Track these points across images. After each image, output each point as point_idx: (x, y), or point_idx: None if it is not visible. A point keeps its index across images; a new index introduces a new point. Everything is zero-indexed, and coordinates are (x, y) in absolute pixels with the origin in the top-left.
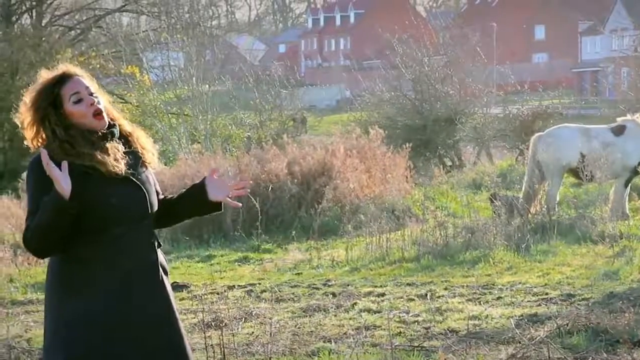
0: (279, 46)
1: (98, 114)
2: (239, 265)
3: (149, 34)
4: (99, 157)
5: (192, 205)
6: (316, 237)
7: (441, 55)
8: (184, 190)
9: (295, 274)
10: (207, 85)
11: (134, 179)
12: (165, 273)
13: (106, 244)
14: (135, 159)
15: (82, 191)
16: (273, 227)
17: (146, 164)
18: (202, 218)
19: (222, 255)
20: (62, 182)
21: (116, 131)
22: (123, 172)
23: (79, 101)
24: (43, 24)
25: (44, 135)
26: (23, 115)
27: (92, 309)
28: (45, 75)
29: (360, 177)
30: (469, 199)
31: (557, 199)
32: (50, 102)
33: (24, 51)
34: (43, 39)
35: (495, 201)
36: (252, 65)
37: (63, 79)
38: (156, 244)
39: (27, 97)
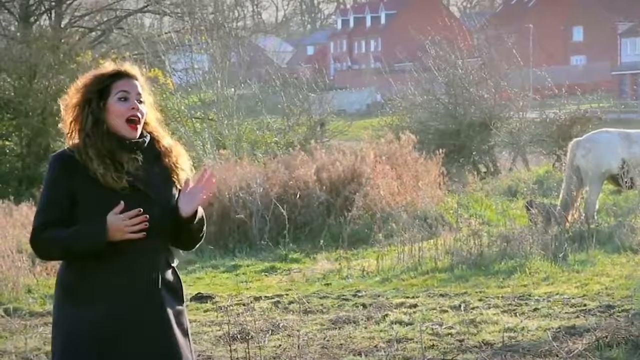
0: (307, 48)
1: (133, 121)
2: (266, 275)
3: (172, 35)
4: (103, 168)
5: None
6: (346, 246)
7: (476, 58)
8: None
9: (324, 284)
10: (232, 89)
11: (150, 194)
12: (175, 294)
13: (108, 257)
14: (164, 175)
15: (88, 199)
16: (301, 236)
17: (178, 181)
18: (228, 226)
19: (248, 265)
20: (118, 231)
21: (143, 142)
22: (125, 187)
23: (123, 99)
24: (62, 25)
25: (79, 122)
26: (70, 97)
27: (90, 320)
28: (106, 65)
29: (391, 183)
30: (504, 207)
31: (596, 206)
32: (99, 89)
33: (42, 53)
34: (62, 40)
35: (531, 209)
36: (279, 68)
37: (120, 74)
38: (163, 262)
39: (81, 80)
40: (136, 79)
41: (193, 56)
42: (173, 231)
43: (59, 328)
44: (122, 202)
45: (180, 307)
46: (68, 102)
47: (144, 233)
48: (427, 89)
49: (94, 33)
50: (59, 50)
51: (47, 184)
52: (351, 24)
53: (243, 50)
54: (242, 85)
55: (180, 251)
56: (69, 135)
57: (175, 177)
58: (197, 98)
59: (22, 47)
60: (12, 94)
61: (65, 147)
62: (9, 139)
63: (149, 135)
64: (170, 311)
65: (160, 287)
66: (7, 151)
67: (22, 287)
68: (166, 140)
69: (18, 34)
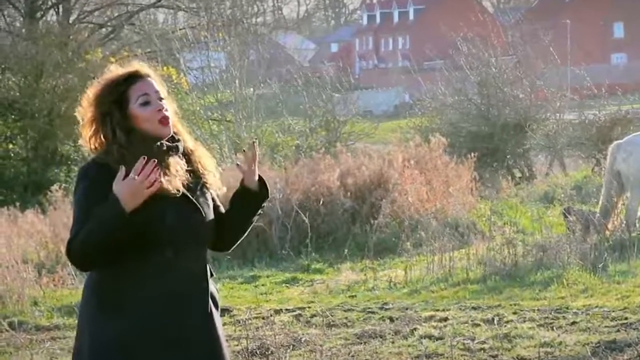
0: (331, 45)
1: (164, 119)
2: (287, 286)
3: (187, 32)
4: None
5: (239, 201)
6: (372, 255)
7: (510, 56)
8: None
9: (349, 296)
10: (251, 89)
11: (193, 200)
12: (216, 306)
13: (154, 265)
14: (196, 179)
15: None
16: (324, 245)
17: (207, 184)
18: (247, 235)
19: (267, 276)
20: (135, 193)
21: (181, 146)
22: (180, 190)
23: (146, 104)
24: (70, 21)
25: (102, 136)
26: (84, 110)
27: (131, 332)
28: (114, 70)
29: (420, 189)
30: (541, 214)
31: (638, 213)
32: (115, 99)
33: (49, 51)
34: (70, 37)
35: (569, 216)
36: (301, 67)
37: (133, 77)
38: (209, 272)
39: (91, 91)
40: (149, 77)
41: (209, 54)
42: (217, 233)
43: (92, 341)
44: (122, 168)
45: (220, 319)
46: (82, 116)
47: (198, 241)
48: (459, 88)
49: (104, 29)
50: (67, 47)
51: (83, 194)
52: (378, 19)
53: (263, 47)
54: (262, 84)
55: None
56: (93, 149)
57: (206, 183)
58: (213, 98)
59: (28, 45)
60: (17, 94)
61: (91, 157)
62: (14, 142)
63: (181, 138)
64: (217, 322)
65: (208, 298)
66: (12, 155)
67: (27, 299)
68: (189, 140)
69: (23, 30)
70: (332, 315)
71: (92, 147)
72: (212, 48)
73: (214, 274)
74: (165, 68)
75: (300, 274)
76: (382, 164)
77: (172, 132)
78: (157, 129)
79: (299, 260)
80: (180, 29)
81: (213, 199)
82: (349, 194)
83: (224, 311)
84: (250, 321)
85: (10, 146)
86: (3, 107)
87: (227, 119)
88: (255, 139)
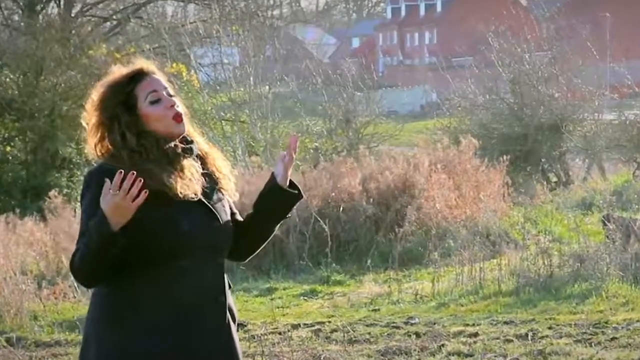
0: (353, 40)
1: (178, 116)
2: (305, 300)
3: (198, 25)
4: (171, 178)
5: (268, 202)
6: (396, 266)
7: (545, 51)
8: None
9: (372, 310)
10: (266, 87)
11: (210, 206)
12: (234, 320)
13: (168, 277)
14: (211, 183)
15: (145, 214)
16: (345, 255)
17: (222, 189)
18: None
19: (284, 289)
20: (118, 209)
21: (195, 148)
22: (197, 195)
23: (156, 101)
24: (73, 15)
25: (109, 142)
26: (89, 116)
27: (140, 351)
28: (118, 70)
29: (448, 195)
30: (578, 222)
31: None
32: (122, 100)
33: (50, 46)
34: (72, 31)
35: (608, 224)
36: (321, 63)
37: (139, 76)
38: (227, 284)
39: (95, 94)
40: (155, 74)
41: (222, 49)
42: (234, 241)
43: (100, 358)
44: (107, 181)
45: (237, 335)
46: (87, 122)
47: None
48: (490, 87)
49: (108, 23)
50: (68, 42)
51: (89, 205)
52: (402, 12)
53: (279, 42)
54: (278, 82)
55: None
56: (100, 156)
57: (222, 188)
58: (226, 97)
59: (27, 39)
60: (16, 92)
61: (98, 162)
62: (12, 144)
63: (194, 140)
64: (235, 339)
65: (226, 312)
66: (10, 158)
67: (26, 313)
68: (201, 141)
69: (22, 24)
70: (353, 331)
71: (99, 154)
72: (225, 43)
73: (231, 285)
74: (174, 65)
75: (320, 286)
76: (408, 168)
77: (186, 130)
78: (171, 127)
79: (318, 271)
80: (190, 23)
81: (230, 206)
82: (371, 200)
83: (238, 326)
84: (266, 337)
85: (8, 149)
86: (0, 107)
87: (241, 120)
88: (298, 133)
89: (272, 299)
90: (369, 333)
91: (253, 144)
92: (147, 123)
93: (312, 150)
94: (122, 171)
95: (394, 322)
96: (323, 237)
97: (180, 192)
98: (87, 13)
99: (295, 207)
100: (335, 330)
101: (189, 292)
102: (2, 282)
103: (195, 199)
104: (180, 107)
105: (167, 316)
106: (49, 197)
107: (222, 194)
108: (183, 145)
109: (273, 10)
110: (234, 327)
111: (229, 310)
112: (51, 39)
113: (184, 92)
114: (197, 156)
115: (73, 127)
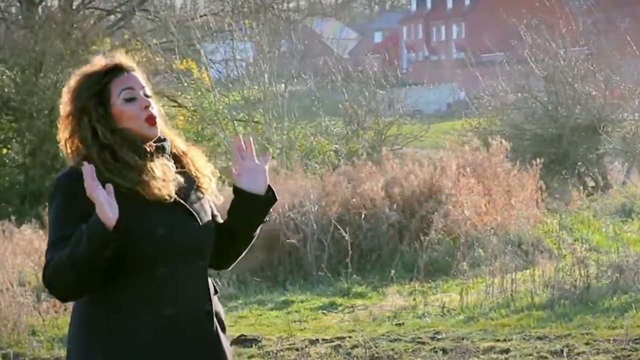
0: (375, 34)
1: (152, 118)
2: (324, 313)
3: (209, 19)
4: (144, 178)
5: (239, 208)
6: (422, 277)
7: (581, 47)
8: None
9: (396, 324)
10: (282, 84)
11: (187, 206)
12: (223, 329)
13: (146, 285)
14: (189, 183)
15: (121, 218)
16: (367, 265)
17: (202, 189)
18: (277, 254)
19: (302, 301)
20: (107, 207)
21: (167, 146)
22: (172, 196)
23: (131, 99)
24: (74, 7)
25: (78, 140)
26: (63, 105)
27: None
28: (98, 61)
29: (477, 201)
30: (617, 229)
31: None
32: (95, 92)
33: (50, 41)
34: (74, 25)
35: None
36: (341, 59)
37: (117, 70)
38: (212, 289)
39: (72, 81)
40: (134, 71)
41: (234, 44)
42: (214, 248)
43: None
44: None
45: (229, 346)
46: (62, 112)
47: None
48: (522, 84)
49: (112, 16)
50: (70, 37)
51: (59, 209)
52: (428, 4)
53: (296, 36)
54: (295, 80)
55: (220, 284)
56: (70, 154)
57: (201, 187)
58: (239, 96)
59: (26, 34)
60: (13, 90)
61: (71, 165)
62: (9, 147)
63: (167, 138)
64: (225, 349)
65: (213, 320)
66: (7, 161)
67: (24, 327)
68: (179, 142)
69: (20, 17)
70: (376, 347)
71: (69, 152)
72: (238, 38)
73: (217, 290)
74: (184, 61)
75: (340, 299)
76: (434, 172)
77: (159, 134)
78: (143, 129)
79: (337, 282)
80: (200, 16)
81: (210, 207)
82: (395, 206)
83: (251, 341)
84: (281, 353)
85: (5, 151)
86: None
87: (255, 120)
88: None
89: (288, 313)
90: (393, 349)
91: (268, 146)
92: (118, 121)
93: (331, 153)
94: (85, 163)
95: (419, 338)
96: (343, 246)
97: (154, 193)
98: (89, 5)
99: (269, 213)
100: (356, 346)
101: (170, 301)
102: None
103: (170, 200)
104: (155, 109)
105: (147, 328)
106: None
107: (202, 194)
108: (155, 144)
109: (289, 3)
110: (224, 338)
111: (216, 318)
112: (51, 33)
113: (193, 90)
114: (170, 155)
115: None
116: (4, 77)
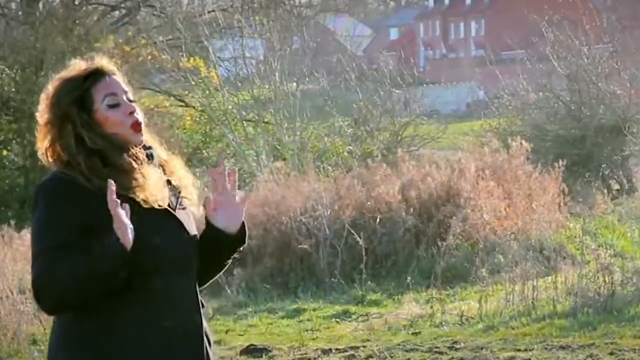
0: (390, 31)
1: (137, 124)
2: (337, 322)
3: (217, 15)
4: (139, 180)
5: (208, 239)
6: (439, 284)
7: (606, 44)
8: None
9: (412, 333)
10: (294, 83)
11: (177, 216)
12: (210, 344)
13: (140, 298)
14: (173, 192)
15: (110, 227)
16: (382, 272)
17: (185, 199)
18: (288, 260)
19: (314, 309)
20: (129, 229)
21: (155, 154)
22: (165, 202)
23: (114, 105)
24: (76, 2)
25: (60, 148)
26: (41, 112)
27: None
28: (77, 64)
29: (497, 205)
30: None
31: None
32: (76, 98)
33: (51, 38)
34: (77, 21)
35: None
36: (354, 57)
37: (98, 74)
38: (200, 302)
39: (50, 87)
40: (115, 74)
41: (244, 41)
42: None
43: None
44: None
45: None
46: (40, 120)
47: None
48: (544, 83)
49: (116, 12)
50: (72, 34)
51: (46, 217)
52: (446, 0)
53: (308, 33)
54: (307, 78)
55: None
56: (52, 161)
57: (184, 193)
58: (249, 95)
59: (26, 30)
60: (13, 89)
61: (52, 171)
62: (9, 148)
63: (152, 145)
64: None
65: (203, 335)
66: (7, 163)
67: (25, 336)
68: (161, 151)
69: (20, 13)
70: (391, 357)
71: (50, 160)
72: (248, 34)
73: (204, 304)
74: (191, 59)
75: (353, 307)
76: (452, 174)
77: (144, 140)
78: (128, 136)
79: (351, 289)
80: (208, 12)
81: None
82: (411, 210)
83: (261, 351)
84: None
85: (5, 153)
86: None
87: (265, 120)
88: (226, 152)
89: (300, 321)
90: (409, 359)
91: (279, 148)
92: (103, 127)
93: (345, 154)
94: (109, 181)
95: (436, 347)
96: (357, 252)
97: (149, 198)
98: (92, 1)
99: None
100: (370, 356)
101: (164, 313)
102: None
103: (162, 208)
104: (140, 115)
105: (140, 343)
106: None
107: (185, 205)
108: (145, 151)
109: None
110: (211, 353)
111: (205, 332)
112: (53, 30)
113: (201, 89)
114: (157, 163)
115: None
116: (4, 75)
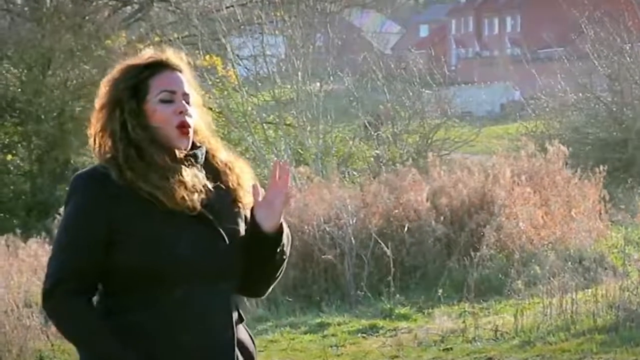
0: (420, 28)
1: (183, 127)
2: (364, 337)
3: (236, 10)
4: (170, 180)
5: (253, 247)
6: (472, 297)
7: None
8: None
9: (443, 349)
10: (317, 83)
11: (214, 223)
12: (249, 356)
13: (161, 310)
14: (222, 197)
15: (132, 231)
16: (411, 284)
17: (239, 203)
18: (311, 271)
19: (339, 324)
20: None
21: (200, 154)
22: (197, 208)
23: (167, 101)
24: None
25: (107, 134)
26: (100, 94)
27: None
28: (147, 53)
29: (534, 212)
30: None
31: None
32: (131, 85)
33: (59, 35)
34: (86, 18)
35: None
36: (382, 55)
37: (160, 66)
38: (235, 316)
39: (111, 73)
40: (181, 71)
41: (264, 39)
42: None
43: None
44: None
45: None
46: (97, 103)
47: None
48: (583, 83)
49: (129, 7)
50: (81, 30)
51: (73, 215)
52: None
53: (332, 30)
54: (331, 78)
55: (248, 304)
56: (98, 148)
57: (239, 202)
58: (269, 96)
59: (32, 27)
60: (19, 90)
61: (94, 164)
62: (14, 152)
63: (203, 146)
64: None
65: (234, 351)
66: (12, 169)
67: (31, 353)
68: (222, 153)
69: (26, 9)
70: None
71: (96, 147)
72: (268, 31)
73: (244, 318)
74: (207, 57)
75: (381, 321)
76: (485, 180)
77: (188, 146)
78: (172, 136)
79: (378, 303)
80: (227, 7)
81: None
82: (442, 218)
83: None
84: None
85: (10, 157)
86: (0, 108)
87: (287, 122)
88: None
89: (324, 336)
90: None
91: (301, 152)
92: (149, 119)
93: (372, 159)
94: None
95: None
96: (384, 263)
97: (178, 201)
98: None
99: (281, 250)
100: None
101: (188, 328)
102: (3, 317)
103: (194, 214)
104: (192, 119)
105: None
106: (58, 215)
107: (238, 209)
108: (186, 151)
109: None
110: None
111: (242, 348)
112: (61, 27)
113: (218, 89)
114: (202, 166)
115: (87, 132)
116: (9, 75)
